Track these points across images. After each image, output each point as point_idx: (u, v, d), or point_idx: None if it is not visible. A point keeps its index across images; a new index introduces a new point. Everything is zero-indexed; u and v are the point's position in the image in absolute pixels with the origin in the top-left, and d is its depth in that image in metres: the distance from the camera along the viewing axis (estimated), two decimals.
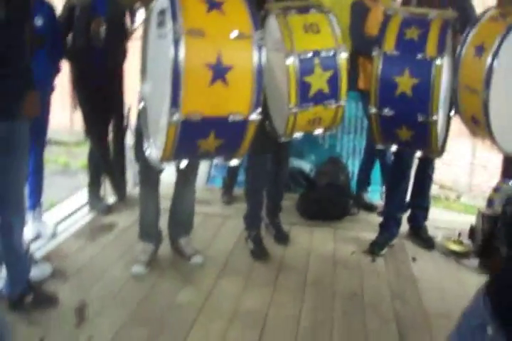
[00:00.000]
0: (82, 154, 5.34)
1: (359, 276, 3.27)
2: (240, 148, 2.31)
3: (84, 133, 3.79)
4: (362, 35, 3.55)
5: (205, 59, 2.06)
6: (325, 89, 2.62)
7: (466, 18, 2.99)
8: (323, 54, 2.62)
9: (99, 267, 3.11)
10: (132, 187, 4.29)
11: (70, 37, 3.44)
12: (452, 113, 2.91)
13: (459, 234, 3.63)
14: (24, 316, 2.47)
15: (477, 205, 4.14)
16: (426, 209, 3.80)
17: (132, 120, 3.68)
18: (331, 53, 2.63)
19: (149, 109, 2.42)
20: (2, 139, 2.28)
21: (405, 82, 2.71)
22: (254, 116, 2.20)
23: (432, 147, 2.84)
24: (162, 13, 2.17)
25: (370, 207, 4.33)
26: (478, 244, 3.48)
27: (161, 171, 2.96)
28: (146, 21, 2.39)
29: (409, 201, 3.80)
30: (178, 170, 3.03)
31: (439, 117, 2.72)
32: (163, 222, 3.25)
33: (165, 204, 3.20)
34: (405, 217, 3.79)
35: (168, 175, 3.24)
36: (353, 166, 4.60)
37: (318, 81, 2.60)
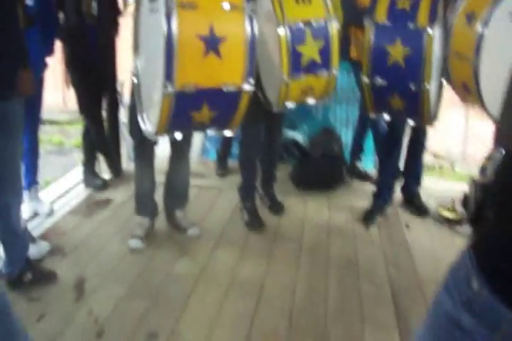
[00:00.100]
0: (75, 133, 5.35)
1: (353, 244, 3.31)
2: (233, 118, 2.32)
3: (78, 111, 3.79)
4: (354, 5, 3.52)
5: (197, 31, 2.06)
6: (317, 59, 2.62)
7: None
8: (315, 24, 2.60)
9: (96, 243, 3.13)
10: (127, 162, 4.31)
11: (61, 15, 3.40)
12: (444, 81, 2.92)
13: (453, 202, 3.67)
14: (24, 294, 2.49)
15: (471, 174, 4.18)
16: (419, 177, 3.84)
17: (125, 96, 3.68)
18: (323, 23, 2.62)
19: (143, 84, 2.42)
20: None
21: (397, 52, 2.72)
22: (248, 87, 2.21)
23: (425, 115, 2.86)
24: None
25: (363, 176, 4.36)
26: (470, 211, 3.52)
27: (155, 145, 2.97)
28: None
29: (403, 169, 3.84)
30: (173, 144, 3.05)
31: (431, 86, 2.73)
32: (159, 196, 3.27)
33: (160, 178, 3.21)
34: (399, 185, 3.83)
35: (163, 150, 3.25)
36: (346, 136, 4.62)
37: (310, 51, 2.60)
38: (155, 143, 2.87)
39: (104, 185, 3.91)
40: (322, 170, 4.10)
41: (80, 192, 3.84)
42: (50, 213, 3.42)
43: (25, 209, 3.13)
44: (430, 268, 2.98)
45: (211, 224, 3.45)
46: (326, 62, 2.65)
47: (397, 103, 2.86)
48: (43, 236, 3.08)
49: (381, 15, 2.79)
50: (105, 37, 3.59)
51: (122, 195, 3.77)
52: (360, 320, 2.51)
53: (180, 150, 3.12)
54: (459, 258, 0.88)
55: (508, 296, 0.76)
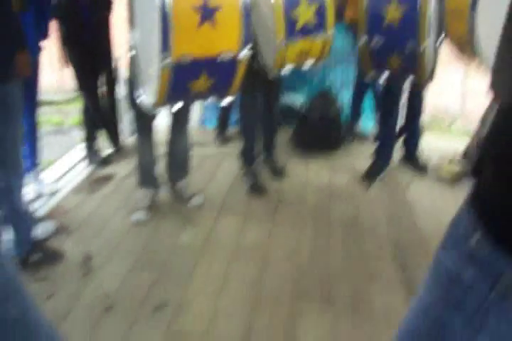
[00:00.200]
0: (73, 112, 5.31)
1: (355, 204, 3.35)
2: (231, 86, 2.32)
3: (75, 89, 3.77)
4: None
5: (192, 2, 2.04)
6: (312, 22, 2.60)
7: None
8: None
9: (100, 218, 3.14)
10: (127, 137, 4.32)
11: None
12: (441, 38, 2.89)
13: (452, 158, 3.69)
14: (32, 274, 2.51)
15: (470, 130, 4.19)
16: (418, 135, 3.85)
17: (122, 71, 3.65)
18: None
19: (140, 58, 2.40)
20: None
21: (393, 11, 2.68)
22: (244, 54, 2.20)
23: (422, 74, 2.84)
24: None
25: (363, 137, 4.37)
26: (472, 164, 3.54)
27: (154, 117, 2.97)
28: None
29: (402, 128, 3.85)
30: (172, 115, 3.04)
31: (428, 44, 2.71)
32: (161, 168, 3.27)
33: (161, 149, 3.21)
34: (398, 144, 3.85)
35: (162, 121, 3.24)
36: (344, 98, 4.60)
37: (305, 14, 2.57)
38: (154, 115, 2.86)
39: (106, 160, 3.93)
40: (321, 132, 4.10)
41: (82, 170, 3.84)
42: (54, 193, 3.44)
43: (29, 191, 3.15)
44: (432, 224, 3.02)
45: (213, 193, 3.47)
46: (321, 25, 2.62)
47: (395, 62, 2.84)
48: (48, 216, 3.10)
49: None
50: (99, 13, 3.56)
51: (124, 170, 3.78)
52: (365, 279, 2.55)
53: (179, 121, 3.11)
54: (457, 214, 0.90)
55: (508, 247, 0.78)
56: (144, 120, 2.98)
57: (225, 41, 2.15)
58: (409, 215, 3.20)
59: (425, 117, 4.06)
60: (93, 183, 3.61)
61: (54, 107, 6.14)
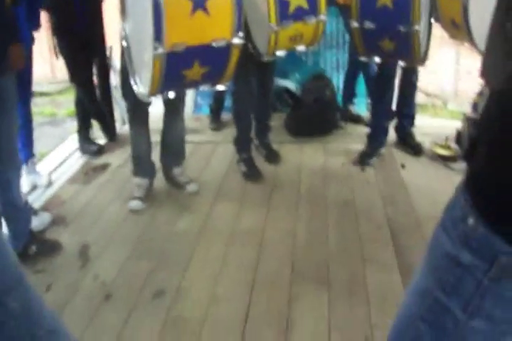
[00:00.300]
0: (66, 102, 5.29)
1: (350, 186, 3.36)
2: (225, 72, 2.32)
3: (68, 80, 3.75)
4: None
5: None
6: (304, 5, 2.59)
7: None
8: None
9: (97, 208, 3.14)
10: (120, 126, 4.30)
11: None
12: (433, 20, 2.88)
13: (446, 139, 3.70)
14: (30, 266, 2.51)
15: (463, 111, 4.19)
16: (412, 117, 3.85)
17: (115, 60, 3.63)
18: None
19: (132, 47, 2.39)
20: None
21: None
22: (237, 40, 2.20)
23: (415, 56, 2.84)
24: None
25: (357, 119, 4.37)
26: (464, 147, 3.55)
27: (149, 105, 2.95)
28: None
29: (395, 110, 3.85)
30: (166, 103, 3.02)
31: (421, 26, 2.70)
32: (155, 156, 3.27)
33: (155, 137, 3.21)
34: (392, 126, 3.85)
35: (156, 109, 3.23)
36: (338, 80, 4.59)
37: None
38: (149, 104, 2.85)
39: (100, 150, 3.92)
40: (315, 115, 4.09)
41: (77, 161, 3.83)
42: (49, 184, 3.43)
43: (24, 183, 3.13)
44: (427, 205, 3.03)
45: (209, 179, 3.47)
46: (313, 8, 2.61)
47: (388, 45, 2.83)
48: (44, 208, 3.10)
49: None
50: (91, 3, 3.54)
51: (119, 159, 3.77)
52: (361, 261, 2.56)
53: (174, 109, 3.10)
54: (453, 197, 0.90)
55: (502, 229, 0.79)
56: (138, 109, 2.97)
57: (218, 28, 2.14)
58: (404, 196, 3.21)
59: (418, 99, 4.06)
60: (88, 173, 3.61)
61: (47, 98, 6.12)
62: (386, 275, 2.45)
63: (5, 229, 2.48)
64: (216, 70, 2.29)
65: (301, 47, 2.85)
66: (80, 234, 2.85)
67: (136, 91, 2.39)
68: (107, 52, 3.82)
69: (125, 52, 2.46)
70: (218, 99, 4.35)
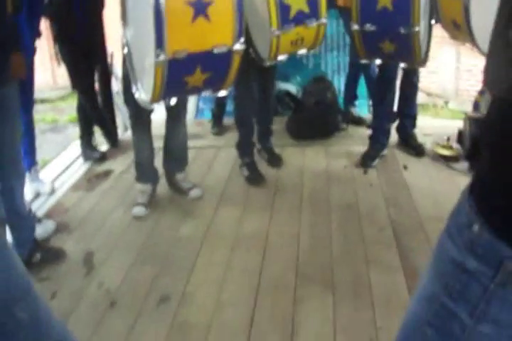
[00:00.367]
0: (68, 109, 5.29)
1: (353, 189, 3.35)
2: (226, 78, 2.32)
3: (70, 87, 3.76)
4: None
5: None
6: (305, 9, 2.60)
7: None
8: None
9: (100, 215, 3.14)
10: (123, 132, 4.30)
11: None
12: (433, 21, 2.89)
13: (448, 139, 3.69)
14: (34, 274, 2.49)
15: (465, 111, 4.18)
16: (414, 118, 3.84)
17: (116, 67, 3.64)
18: None
19: (134, 54, 2.40)
20: None
21: None
22: (238, 46, 2.20)
23: (416, 57, 2.85)
24: None
25: (358, 121, 4.37)
26: (466, 147, 3.55)
27: (151, 112, 2.96)
28: None
29: (397, 111, 3.84)
30: (168, 109, 3.02)
31: (421, 27, 2.71)
32: (158, 161, 3.27)
33: (157, 143, 3.21)
34: (394, 127, 3.84)
35: (159, 115, 3.22)
36: (339, 82, 4.60)
37: (298, 1, 2.57)
38: (151, 111, 2.86)
39: (103, 156, 3.92)
40: (317, 118, 4.09)
41: (79, 167, 3.83)
42: (52, 192, 3.43)
43: (28, 191, 3.13)
44: (430, 206, 3.02)
45: (212, 184, 3.47)
46: (314, 12, 2.62)
47: (388, 47, 2.84)
48: (48, 215, 3.10)
49: None
50: (91, 10, 3.55)
51: (121, 165, 3.77)
52: (365, 263, 2.56)
53: (176, 115, 3.11)
54: (458, 203, 0.90)
55: (508, 235, 0.79)
56: (140, 115, 2.97)
57: (219, 34, 2.15)
58: (407, 197, 3.20)
59: (420, 98, 4.05)
60: (91, 180, 3.61)
61: (48, 105, 6.12)
62: (390, 277, 2.45)
63: (9, 237, 2.48)
64: (218, 76, 2.29)
65: (302, 51, 2.86)
66: (83, 242, 2.85)
67: (138, 99, 2.40)
68: (109, 59, 3.83)
69: (126, 59, 2.47)
70: (220, 103, 4.35)
